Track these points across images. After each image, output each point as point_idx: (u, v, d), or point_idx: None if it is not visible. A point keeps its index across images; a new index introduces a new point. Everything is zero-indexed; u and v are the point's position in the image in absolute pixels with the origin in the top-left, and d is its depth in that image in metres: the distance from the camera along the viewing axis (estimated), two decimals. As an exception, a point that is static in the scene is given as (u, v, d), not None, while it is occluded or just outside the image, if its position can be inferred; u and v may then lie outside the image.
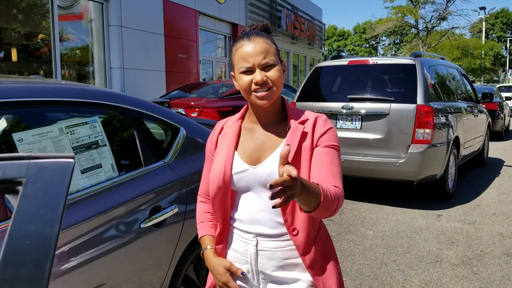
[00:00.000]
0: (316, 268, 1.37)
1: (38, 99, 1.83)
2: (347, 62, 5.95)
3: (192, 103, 6.96)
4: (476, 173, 7.55)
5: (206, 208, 1.57)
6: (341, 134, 5.42)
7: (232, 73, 1.41)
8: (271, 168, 1.33)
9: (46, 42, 8.63)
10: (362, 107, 5.46)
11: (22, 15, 8.47)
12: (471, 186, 6.55)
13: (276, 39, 18.12)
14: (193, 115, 6.75)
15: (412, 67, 5.50)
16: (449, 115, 5.70)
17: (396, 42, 50.87)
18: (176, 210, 2.21)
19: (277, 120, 1.41)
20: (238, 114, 1.48)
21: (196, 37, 11.95)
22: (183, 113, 6.84)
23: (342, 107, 5.55)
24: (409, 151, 5.20)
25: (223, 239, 1.45)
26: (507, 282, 3.38)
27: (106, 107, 2.12)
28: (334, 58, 6.42)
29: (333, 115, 5.63)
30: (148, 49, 9.96)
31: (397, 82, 5.62)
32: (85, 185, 1.88)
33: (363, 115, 5.45)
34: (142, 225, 2.01)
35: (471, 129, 6.89)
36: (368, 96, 5.55)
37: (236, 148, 1.41)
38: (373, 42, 65.51)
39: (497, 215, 5.11)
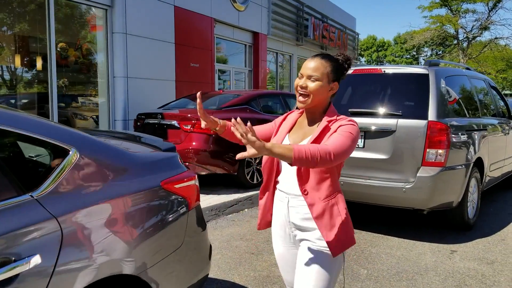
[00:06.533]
0: (322, 222, 1.82)
1: None
2: (352, 71, 5.26)
3: (189, 115, 6.44)
4: (507, 198, 6.63)
5: None
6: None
7: None
8: None
9: (67, 51, 8.42)
10: (365, 122, 4.76)
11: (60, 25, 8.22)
12: (498, 215, 5.68)
13: (302, 48, 17.49)
14: (186, 127, 6.24)
15: (424, 77, 4.77)
16: (470, 133, 4.91)
17: (438, 53, 49.03)
18: (38, 261, 1.65)
19: (318, 118, 1.91)
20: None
21: (211, 46, 11.49)
22: (176, 125, 6.36)
23: (343, 122, 4.86)
24: (418, 174, 4.46)
25: (269, 198, 2.04)
26: None
27: None
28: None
29: (333, 131, 4.95)
30: (156, 58, 9.55)
31: (407, 94, 4.88)
32: None
33: (366, 131, 4.76)
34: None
35: (500, 149, 6.03)
36: (372, 110, 4.84)
37: (289, 132, 1.97)
38: (414, 53, 63.53)
39: (523, 254, 4.28)
